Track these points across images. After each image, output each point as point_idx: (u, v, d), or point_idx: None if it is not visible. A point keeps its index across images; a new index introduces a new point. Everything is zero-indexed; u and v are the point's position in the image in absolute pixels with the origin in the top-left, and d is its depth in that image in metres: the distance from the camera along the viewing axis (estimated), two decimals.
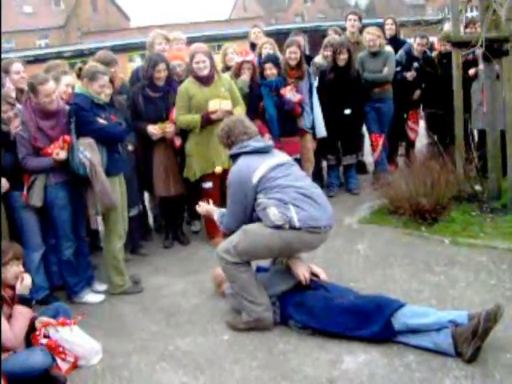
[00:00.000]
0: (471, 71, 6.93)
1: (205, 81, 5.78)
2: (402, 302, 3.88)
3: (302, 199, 4.05)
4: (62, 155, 4.65)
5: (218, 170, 5.68)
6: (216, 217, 4.57)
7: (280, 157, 4.38)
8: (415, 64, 7.73)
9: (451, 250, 5.34)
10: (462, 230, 5.76)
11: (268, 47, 6.95)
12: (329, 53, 7.28)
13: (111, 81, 5.20)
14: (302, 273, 4.21)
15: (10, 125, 4.70)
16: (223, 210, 4.53)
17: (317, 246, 4.27)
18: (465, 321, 3.63)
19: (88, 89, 4.82)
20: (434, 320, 3.69)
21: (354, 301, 3.99)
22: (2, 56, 5.18)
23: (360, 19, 8.09)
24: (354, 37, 7.94)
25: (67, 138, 4.67)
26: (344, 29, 8.32)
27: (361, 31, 8.13)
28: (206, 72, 5.75)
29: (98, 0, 50.86)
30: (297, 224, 3.96)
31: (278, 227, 4.00)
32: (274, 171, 4.16)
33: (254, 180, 4.11)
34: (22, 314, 3.78)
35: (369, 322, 3.84)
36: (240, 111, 5.84)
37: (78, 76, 5.14)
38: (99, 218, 5.07)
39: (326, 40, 7.57)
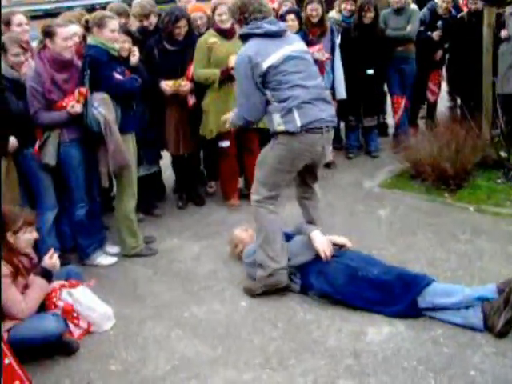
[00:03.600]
0: (503, 33, 6.58)
1: (227, 34, 5.50)
2: (429, 279, 3.68)
3: (309, 102, 3.89)
4: (78, 108, 4.42)
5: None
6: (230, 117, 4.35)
7: (294, 45, 4.05)
8: (439, 23, 7.40)
9: (476, 219, 5.15)
10: (487, 198, 5.56)
11: (288, 5, 6.60)
12: (348, 6, 6.92)
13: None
14: (323, 249, 3.99)
15: (19, 70, 4.46)
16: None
17: (323, 151, 4.07)
18: (494, 295, 3.46)
19: (100, 38, 4.54)
20: (461, 298, 3.52)
21: (378, 275, 3.76)
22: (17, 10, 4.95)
23: None
24: None
25: (83, 90, 4.44)
26: None
27: None
28: (228, 25, 5.48)
29: None
30: (298, 129, 3.85)
31: (277, 136, 3.97)
32: (287, 64, 3.91)
33: (265, 66, 3.86)
34: (41, 286, 3.62)
35: (394, 299, 3.67)
36: None
37: (86, 29, 4.87)
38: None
39: None
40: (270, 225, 4.11)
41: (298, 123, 3.85)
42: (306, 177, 4.34)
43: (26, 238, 3.60)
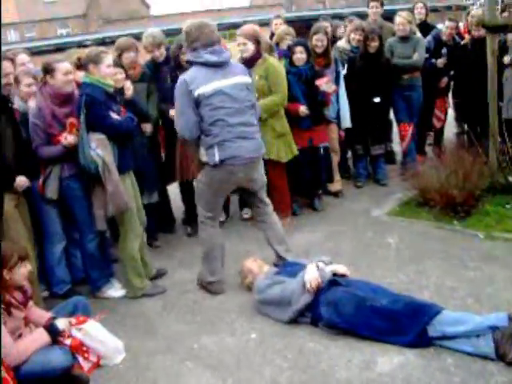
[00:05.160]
0: (506, 58, 6.63)
1: (245, 64, 5.56)
2: (438, 308, 3.65)
3: (230, 140, 4.34)
4: (71, 139, 4.46)
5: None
6: None
7: (232, 78, 4.38)
8: (444, 50, 7.47)
9: (486, 245, 5.13)
10: (496, 224, 5.53)
11: (289, 38, 6.62)
12: (357, 36, 7.01)
13: (128, 67, 5.17)
14: (309, 280, 4.00)
15: (28, 101, 4.63)
16: None
17: (248, 177, 4.55)
18: (505, 323, 3.43)
19: (95, 75, 4.48)
20: (472, 327, 3.48)
21: (387, 305, 3.73)
22: (25, 46, 5.11)
23: (382, 5, 7.80)
24: (376, 24, 7.65)
25: (73, 120, 4.48)
26: (364, 15, 8.06)
27: (383, 16, 7.88)
28: (246, 55, 5.57)
29: None
30: (217, 163, 4.35)
31: (203, 165, 4.50)
32: (217, 98, 4.30)
33: (195, 94, 4.27)
34: (42, 340, 3.54)
35: (402, 329, 3.64)
36: (271, 100, 5.62)
37: (78, 67, 4.81)
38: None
39: (355, 23, 7.23)
40: (209, 243, 4.70)
41: (217, 158, 4.35)
42: (254, 202, 4.85)
43: (20, 272, 3.59)
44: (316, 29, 6.48)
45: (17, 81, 4.66)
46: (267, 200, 4.87)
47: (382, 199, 6.61)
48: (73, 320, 3.77)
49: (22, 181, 4.34)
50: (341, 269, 4.22)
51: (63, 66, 4.55)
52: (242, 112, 4.43)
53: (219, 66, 4.36)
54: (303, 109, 5.93)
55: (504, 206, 5.90)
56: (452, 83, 7.87)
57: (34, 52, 14.24)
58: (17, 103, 4.64)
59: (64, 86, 4.54)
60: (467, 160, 5.95)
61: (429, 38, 7.61)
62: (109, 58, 4.58)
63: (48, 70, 4.54)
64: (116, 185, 4.46)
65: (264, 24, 9.92)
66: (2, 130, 4.20)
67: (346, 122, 6.73)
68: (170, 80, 5.64)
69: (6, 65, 4.35)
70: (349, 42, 7.15)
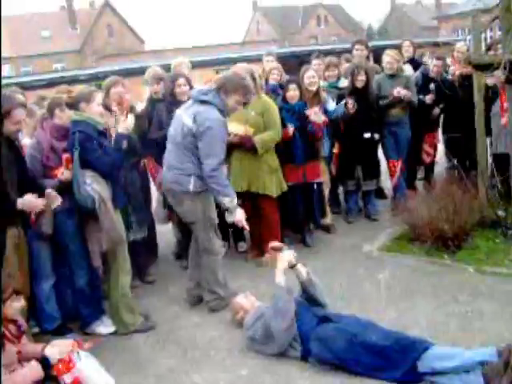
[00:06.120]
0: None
1: None
2: (428, 344, 3.68)
3: (164, 163, 4.97)
4: (67, 175, 4.51)
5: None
6: None
7: (183, 116, 4.78)
8: (432, 86, 7.60)
9: (476, 279, 5.16)
10: (486, 258, 5.58)
11: (276, 73, 6.77)
12: (331, 72, 7.20)
13: (116, 102, 5.24)
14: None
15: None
16: None
17: (175, 205, 4.97)
18: (494, 358, 3.45)
19: (86, 113, 4.55)
20: (461, 363, 3.50)
21: (377, 341, 3.75)
22: (23, 80, 5.22)
23: (367, 47, 7.98)
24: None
25: (67, 156, 4.52)
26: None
27: (368, 57, 8.05)
28: None
29: (113, 24, 51.54)
30: None
31: None
32: (173, 124, 4.92)
33: None
34: (35, 373, 3.55)
35: (393, 365, 3.66)
36: (269, 135, 5.79)
37: (68, 106, 4.77)
38: None
39: (326, 61, 7.39)
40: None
41: None
42: None
43: (13, 306, 3.60)
44: (307, 67, 6.60)
45: (31, 112, 4.92)
46: (201, 240, 4.95)
47: (373, 234, 6.63)
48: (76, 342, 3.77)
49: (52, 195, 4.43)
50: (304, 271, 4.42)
51: None
52: (177, 146, 4.80)
53: (193, 100, 4.83)
54: (290, 127, 6.03)
55: (494, 241, 5.95)
56: (442, 118, 7.98)
57: (27, 87, 14.36)
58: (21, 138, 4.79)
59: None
60: (457, 195, 6.00)
61: (417, 74, 7.75)
62: (99, 96, 4.71)
63: (59, 104, 4.67)
64: (112, 219, 4.50)
65: (258, 60, 10.08)
66: (7, 169, 4.21)
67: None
68: (167, 114, 5.73)
69: (20, 111, 4.37)
70: (325, 79, 7.27)
